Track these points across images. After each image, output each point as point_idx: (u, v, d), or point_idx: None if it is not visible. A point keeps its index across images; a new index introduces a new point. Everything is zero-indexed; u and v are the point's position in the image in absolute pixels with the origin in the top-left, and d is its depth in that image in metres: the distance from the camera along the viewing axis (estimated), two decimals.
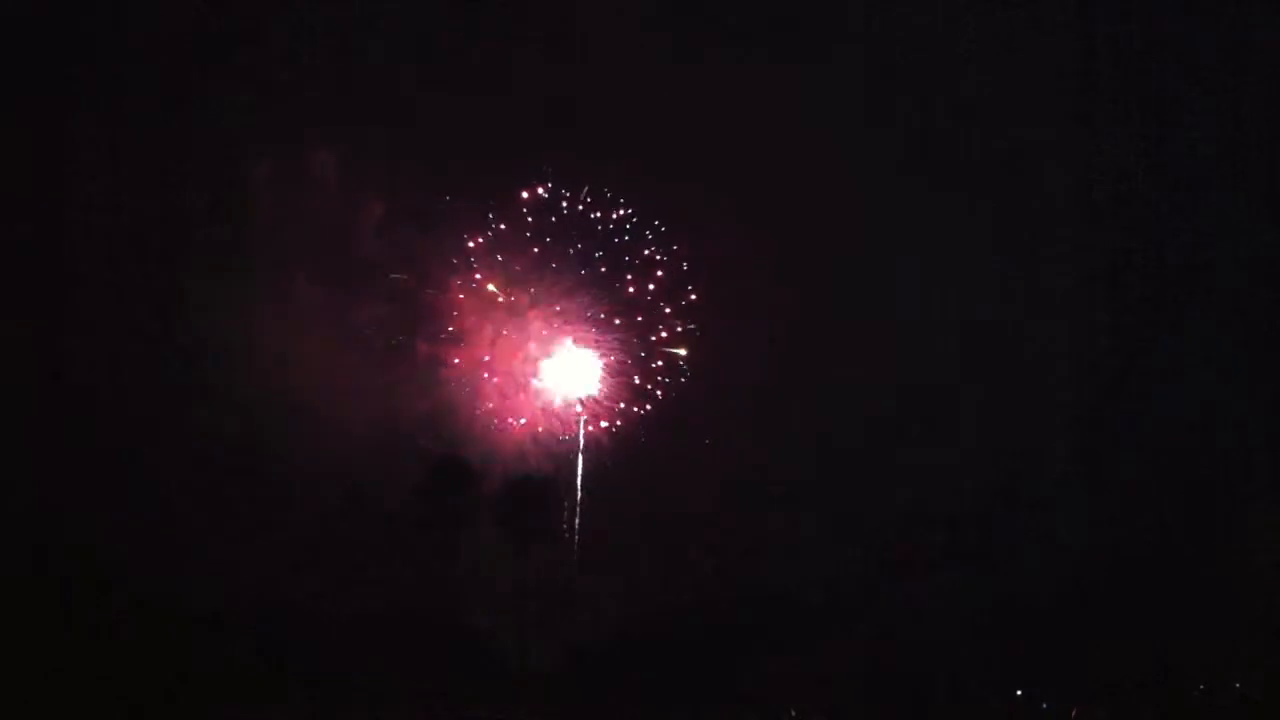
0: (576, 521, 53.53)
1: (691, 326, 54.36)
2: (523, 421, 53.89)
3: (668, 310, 54.39)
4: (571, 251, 54.07)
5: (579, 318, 54.27)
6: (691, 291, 54.44)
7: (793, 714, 51.27)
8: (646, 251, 54.50)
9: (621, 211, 54.26)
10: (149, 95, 51.38)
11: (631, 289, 54.43)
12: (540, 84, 52.52)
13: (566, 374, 54.26)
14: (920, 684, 52.02)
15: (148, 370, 50.75)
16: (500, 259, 53.66)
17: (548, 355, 54.17)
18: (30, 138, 50.24)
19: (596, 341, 54.42)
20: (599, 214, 54.22)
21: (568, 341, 54.27)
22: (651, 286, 54.54)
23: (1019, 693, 51.78)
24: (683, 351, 54.22)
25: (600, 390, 54.28)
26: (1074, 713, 50.73)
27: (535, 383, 53.97)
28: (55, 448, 49.27)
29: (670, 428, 54.04)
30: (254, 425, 50.75)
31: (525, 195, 53.81)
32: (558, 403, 54.22)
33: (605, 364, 54.35)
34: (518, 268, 53.78)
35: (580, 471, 53.94)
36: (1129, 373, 53.38)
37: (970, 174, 53.31)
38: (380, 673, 49.76)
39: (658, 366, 54.45)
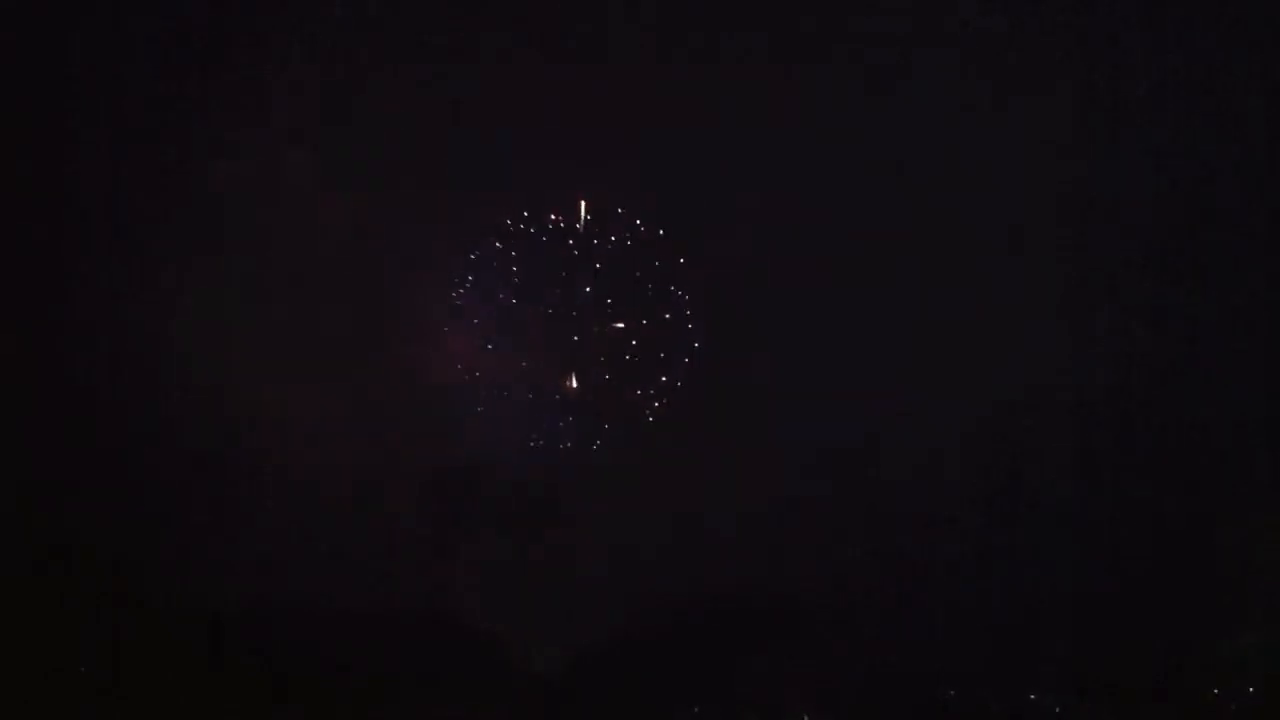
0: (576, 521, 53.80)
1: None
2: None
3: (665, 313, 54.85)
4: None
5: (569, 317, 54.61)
6: (689, 293, 54.82)
7: (805, 718, 51.41)
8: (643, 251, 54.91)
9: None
10: (134, 98, 51.63)
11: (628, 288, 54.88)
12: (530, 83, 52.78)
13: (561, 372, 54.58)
14: (925, 685, 52.10)
15: (144, 370, 50.95)
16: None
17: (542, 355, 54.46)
18: (18, 138, 50.50)
19: (592, 340, 54.77)
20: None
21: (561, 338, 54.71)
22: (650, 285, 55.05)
23: (1031, 697, 51.81)
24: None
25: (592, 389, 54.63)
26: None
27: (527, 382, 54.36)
28: (54, 447, 49.57)
29: (668, 427, 54.28)
30: (253, 425, 50.97)
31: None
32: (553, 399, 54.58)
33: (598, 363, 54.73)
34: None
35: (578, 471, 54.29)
36: (1131, 371, 53.38)
37: (967, 173, 53.31)
38: (381, 674, 49.95)
39: (652, 364, 54.78)
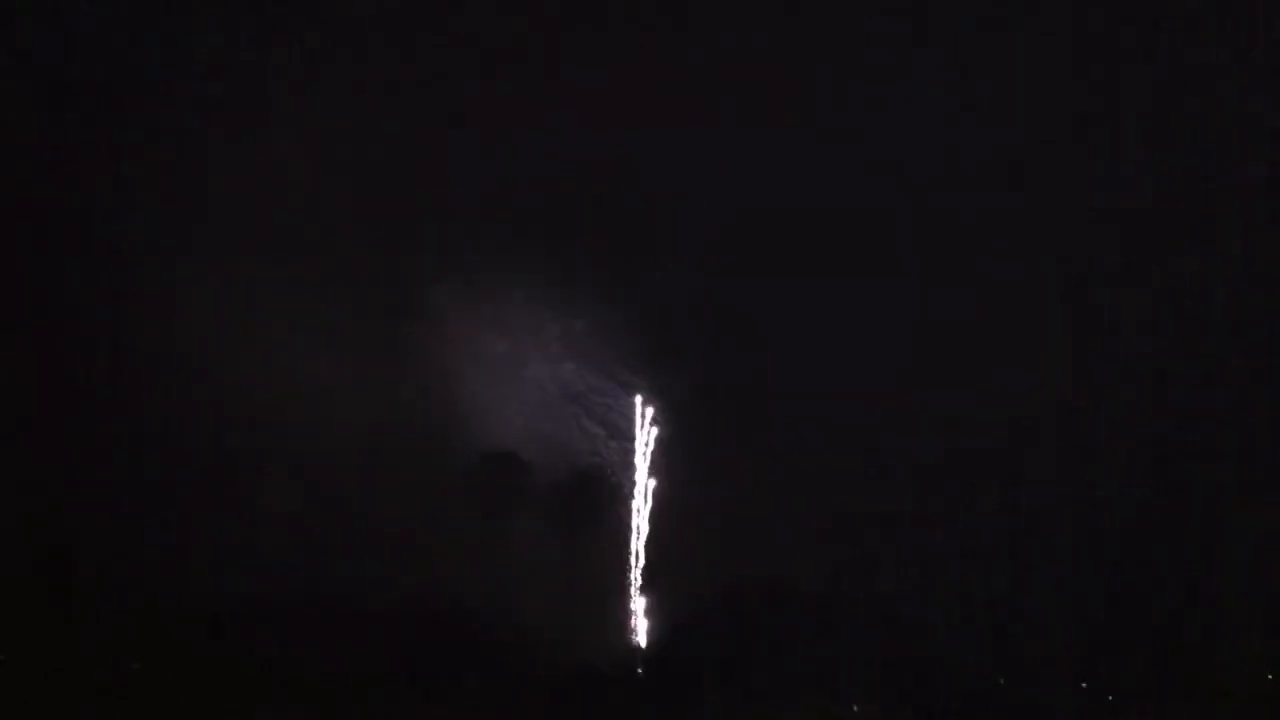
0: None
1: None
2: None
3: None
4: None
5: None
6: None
7: (855, 710, 51.37)
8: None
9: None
10: (134, 97, 51.61)
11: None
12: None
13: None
14: (924, 683, 52.08)
15: (143, 370, 50.88)
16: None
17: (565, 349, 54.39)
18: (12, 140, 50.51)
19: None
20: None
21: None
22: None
23: (1084, 685, 51.81)
24: None
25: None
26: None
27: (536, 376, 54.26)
28: (54, 447, 49.54)
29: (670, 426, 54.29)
30: (257, 423, 50.90)
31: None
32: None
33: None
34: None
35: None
36: (1131, 371, 53.37)
37: (968, 174, 53.34)
38: (380, 674, 49.91)
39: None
